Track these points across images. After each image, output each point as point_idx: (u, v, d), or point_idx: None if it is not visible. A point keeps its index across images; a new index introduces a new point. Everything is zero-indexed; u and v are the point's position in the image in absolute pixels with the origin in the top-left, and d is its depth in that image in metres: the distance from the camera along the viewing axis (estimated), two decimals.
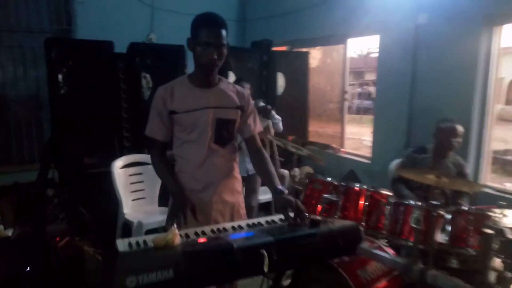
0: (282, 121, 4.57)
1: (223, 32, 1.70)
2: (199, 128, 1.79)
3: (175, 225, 1.43)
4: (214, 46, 1.68)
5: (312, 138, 5.14)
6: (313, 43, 4.97)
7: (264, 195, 3.86)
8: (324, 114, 5.08)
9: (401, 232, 2.26)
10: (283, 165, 3.97)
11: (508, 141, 7.62)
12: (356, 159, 4.34)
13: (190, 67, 4.18)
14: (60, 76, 3.25)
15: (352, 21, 4.13)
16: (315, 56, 5.33)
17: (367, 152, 4.37)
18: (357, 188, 2.47)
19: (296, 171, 4.29)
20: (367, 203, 2.43)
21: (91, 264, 1.75)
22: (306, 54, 4.84)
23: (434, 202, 2.08)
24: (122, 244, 1.47)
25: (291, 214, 1.62)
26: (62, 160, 3.34)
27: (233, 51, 4.36)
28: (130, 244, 1.46)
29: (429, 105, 3.51)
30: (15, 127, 4.57)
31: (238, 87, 1.93)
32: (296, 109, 4.80)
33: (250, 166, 3.56)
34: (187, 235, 1.53)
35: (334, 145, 4.64)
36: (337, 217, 2.50)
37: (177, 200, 1.71)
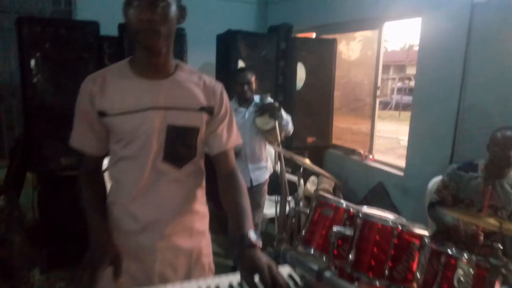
0: (301, 119, 3.92)
1: None
2: (140, 138, 1.20)
3: None
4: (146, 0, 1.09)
5: (344, 135, 4.45)
6: (342, 28, 4.24)
7: (270, 208, 3.26)
8: (359, 109, 4.49)
9: None
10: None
11: None
12: (387, 169, 3.61)
13: (192, 54, 3.65)
14: (32, 62, 2.77)
15: (388, 1, 3.39)
16: (354, 48, 4.81)
17: (403, 156, 3.61)
18: (379, 224, 1.82)
19: (313, 180, 3.65)
20: (393, 245, 1.79)
21: None
22: (332, 42, 4.12)
23: (494, 261, 1.40)
24: None
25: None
26: (35, 159, 2.87)
27: (245, 36, 3.75)
28: None
29: (483, 108, 2.74)
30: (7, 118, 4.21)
31: (208, 79, 1.32)
32: (318, 106, 4.11)
33: (254, 176, 2.97)
34: None
35: (362, 151, 3.93)
36: (351, 258, 1.86)
37: (93, 250, 1.14)
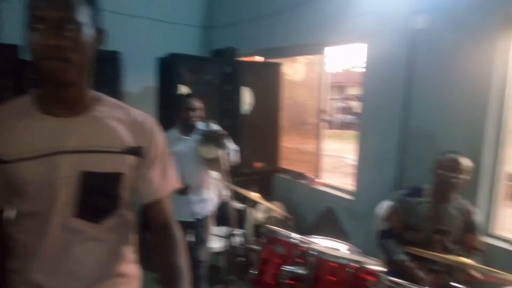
0: (248, 144, 3.79)
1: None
2: (44, 190, 0.97)
3: None
4: (53, 21, 0.89)
5: (291, 155, 4.39)
6: (286, 52, 4.23)
7: (217, 242, 3.03)
8: (304, 128, 4.50)
9: None
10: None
11: None
12: (336, 193, 3.55)
13: (131, 78, 3.38)
14: None
15: (331, 27, 3.40)
16: (299, 69, 4.93)
17: (349, 174, 3.58)
18: (334, 264, 1.69)
19: (260, 208, 3.48)
20: (350, 284, 1.66)
21: None
22: (277, 66, 4.08)
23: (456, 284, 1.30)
24: None
25: None
26: None
27: (188, 60, 3.59)
28: None
29: (427, 131, 2.77)
30: None
31: (137, 113, 1.11)
32: (265, 130, 4.02)
33: (198, 208, 2.74)
34: None
35: (309, 175, 3.85)
36: None
37: None
